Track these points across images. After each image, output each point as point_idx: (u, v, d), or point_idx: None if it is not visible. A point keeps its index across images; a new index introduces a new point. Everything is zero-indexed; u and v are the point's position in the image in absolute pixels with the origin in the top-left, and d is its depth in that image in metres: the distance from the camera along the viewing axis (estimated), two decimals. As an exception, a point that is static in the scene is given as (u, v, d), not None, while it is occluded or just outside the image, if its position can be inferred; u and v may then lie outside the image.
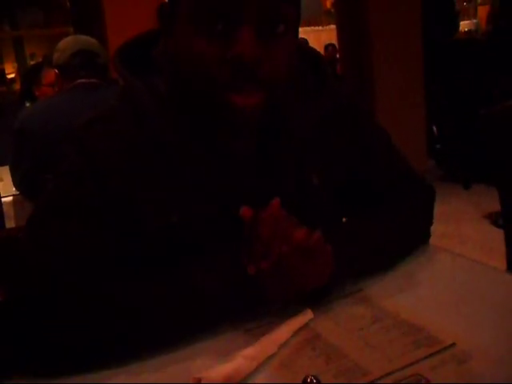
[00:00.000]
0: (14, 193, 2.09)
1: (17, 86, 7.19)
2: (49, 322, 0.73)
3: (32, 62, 7.52)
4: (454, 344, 0.69)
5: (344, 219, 1.01)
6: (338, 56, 6.87)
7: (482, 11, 6.43)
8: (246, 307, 0.77)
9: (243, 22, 0.71)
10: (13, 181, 2.06)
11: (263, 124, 0.84)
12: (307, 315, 0.78)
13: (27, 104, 2.83)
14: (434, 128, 4.00)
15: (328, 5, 8.63)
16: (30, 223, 0.83)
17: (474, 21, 5.67)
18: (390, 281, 0.88)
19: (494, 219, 3.33)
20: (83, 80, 2.02)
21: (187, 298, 0.76)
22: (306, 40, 6.63)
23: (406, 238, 0.96)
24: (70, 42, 2.06)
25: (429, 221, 1.02)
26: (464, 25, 5.36)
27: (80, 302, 0.75)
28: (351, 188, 0.96)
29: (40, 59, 7.46)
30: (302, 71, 0.89)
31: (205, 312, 0.76)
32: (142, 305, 0.75)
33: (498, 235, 1.91)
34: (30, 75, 2.92)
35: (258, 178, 0.85)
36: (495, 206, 1.87)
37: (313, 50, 0.96)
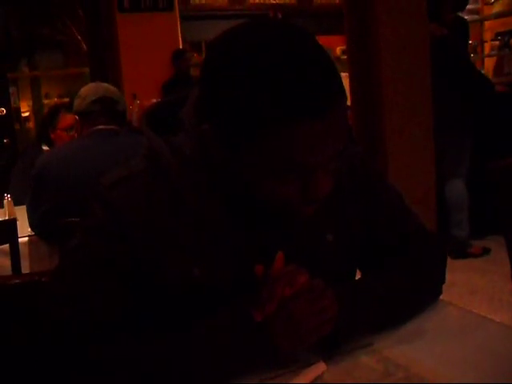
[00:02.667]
0: (30, 233, 2.13)
1: (30, 124, 7.35)
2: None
3: (46, 101, 7.70)
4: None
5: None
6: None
7: (489, 62, 6.54)
8: (258, 356, 0.79)
9: (319, 168, 0.77)
10: (29, 222, 2.10)
11: None
12: (320, 367, 0.79)
13: (44, 147, 2.90)
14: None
15: (338, 52, 8.79)
16: (57, 276, 0.88)
17: (482, 72, 5.75)
18: (401, 335, 0.90)
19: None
20: (102, 126, 2.07)
21: (199, 352, 0.78)
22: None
23: (418, 294, 0.97)
24: (91, 90, 2.12)
25: (441, 278, 1.03)
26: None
27: (97, 363, 0.78)
28: (365, 245, 0.99)
29: (55, 98, 7.64)
30: None
31: (218, 364, 0.78)
32: (157, 365, 0.77)
33: (506, 286, 1.91)
34: (47, 119, 3.00)
35: (276, 233, 0.88)
36: (504, 256, 1.89)
37: None
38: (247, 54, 0.73)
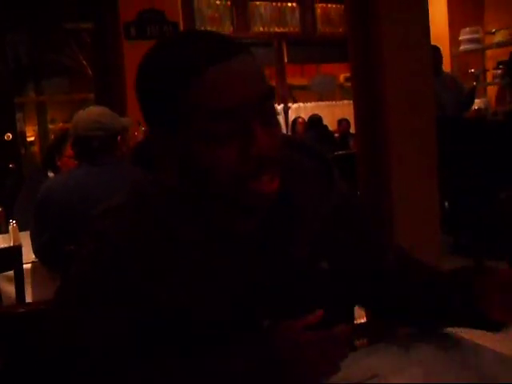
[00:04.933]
0: (33, 260, 2.13)
1: (35, 149, 7.39)
2: None
3: (52, 126, 7.75)
4: None
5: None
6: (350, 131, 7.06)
7: (491, 90, 6.60)
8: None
9: (254, 123, 0.78)
10: (33, 249, 2.10)
11: (272, 214, 0.88)
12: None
13: (49, 173, 2.92)
14: (446, 204, 4.04)
15: (341, 79, 8.88)
16: (55, 306, 0.89)
17: (484, 99, 5.81)
18: (408, 367, 0.89)
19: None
20: (100, 157, 2.10)
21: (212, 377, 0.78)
22: (320, 117, 6.81)
23: None
24: (74, 126, 2.14)
25: None
26: (474, 103, 5.49)
27: None
28: (363, 278, 0.99)
29: (60, 123, 7.69)
30: (314, 171, 0.95)
31: None
32: None
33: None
34: (53, 146, 3.02)
35: (270, 265, 0.88)
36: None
37: (322, 153, 1.00)
38: (152, 55, 0.84)
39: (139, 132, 4.42)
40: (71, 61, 7.05)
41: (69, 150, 2.85)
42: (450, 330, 1.02)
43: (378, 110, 2.09)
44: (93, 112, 2.18)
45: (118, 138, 2.17)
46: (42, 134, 7.55)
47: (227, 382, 0.79)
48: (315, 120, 6.33)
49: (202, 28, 7.21)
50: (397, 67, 2.05)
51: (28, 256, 2.11)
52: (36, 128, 7.58)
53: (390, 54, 2.04)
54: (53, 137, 7.41)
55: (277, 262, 0.88)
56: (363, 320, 2.19)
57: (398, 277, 1.01)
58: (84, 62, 6.88)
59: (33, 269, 2.12)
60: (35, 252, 2.10)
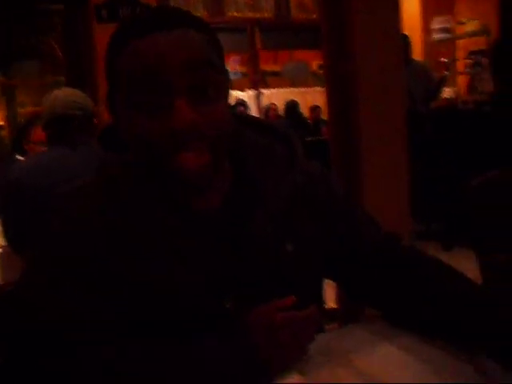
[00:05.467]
0: (3, 244, 2.10)
1: (4, 133, 7.26)
2: None
3: (21, 110, 7.61)
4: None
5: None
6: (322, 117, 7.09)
7: (461, 80, 6.69)
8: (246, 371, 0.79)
9: (175, 95, 0.77)
10: (4, 234, 2.07)
11: (234, 193, 0.89)
12: (296, 379, 0.80)
13: (18, 157, 2.87)
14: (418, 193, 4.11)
15: (314, 66, 8.88)
16: (20, 286, 0.87)
17: (455, 89, 5.89)
18: (378, 348, 0.91)
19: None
20: (69, 138, 2.06)
21: (186, 363, 0.78)
22: (296, 103, 6.81)
23: None
24: (49, 106, 2.08)
25: None
26: (445, 92, 5.57)
27: (77, 367, 0.78)
28: (335, 257, 1.00)
29: (29, 107, 7.56)
30: (275, 148, 0.95)
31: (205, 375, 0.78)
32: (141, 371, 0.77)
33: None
34: (20, 132, 2.98)
35: (233, 246, 0.88)
36: (475, 268, 1.93)
37: (284, 128, 1.01)
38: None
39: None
40: (41, 43, 6.92)
41: (35, 136, 2.81)
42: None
43: (349, 98, 2.10)
44: (70, 92, 2.14)
45: (95, 120, 2.14)
46: (12, 117, 7.42)
47: (201, 369, 0.78)
48: (291, 106, 6.33)
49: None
50: (368, 55, 2.06)
51: (-2, 240, 2.08)
52: (5, 112, 7.45)
53: (362, 42, 2.05)
54: (22, 121, 7.30)
55: (240, 242, 0.88)
56: (334, 305, 2.22)
57: (374, 261, 1.00)
58: (55, 44, 6.76)
59: (2, 254, 2.09)
60: (7, 240, 2.05)
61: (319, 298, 1.04)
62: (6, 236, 2.06)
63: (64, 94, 2.11)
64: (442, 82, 5.22)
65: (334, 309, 2.16)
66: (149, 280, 0.83)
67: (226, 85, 0.85)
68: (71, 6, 5.48)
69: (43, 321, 0.81)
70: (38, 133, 2.77)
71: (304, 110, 6.90)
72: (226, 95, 0.85)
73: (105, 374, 0.77)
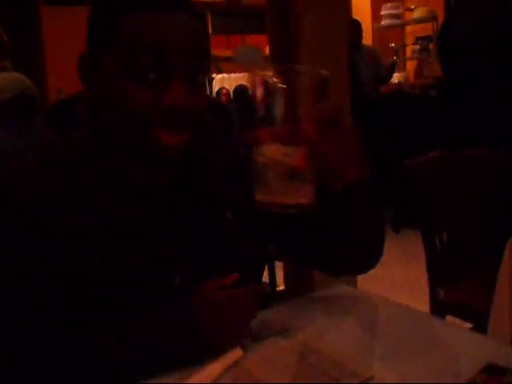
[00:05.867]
0: None
1: None
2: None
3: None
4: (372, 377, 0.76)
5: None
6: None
7: (410, 65, 6.83)
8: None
9: (173, 76, 0.82)
10: None
11: (178, 163, 0.91)
12: (237, 353, 0.82)
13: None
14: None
15: (267, 51, 8.86)
16: None
17: (404, 74, 6.00)
18: (317, 320, 0.95)
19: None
20: (20, 121, 2.03)
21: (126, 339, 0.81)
22: (245, 87, 6.78)
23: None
24: (8, 85, 2.07)
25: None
26: (394, 77, 5.67)
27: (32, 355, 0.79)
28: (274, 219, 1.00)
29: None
30: (212, 121, 1.01)
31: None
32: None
33: (425, 279, 2.04)
34: None
35: (176, 214, 0.91)
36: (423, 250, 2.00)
37: (218, 103, 1.06)
38: None
39: (59, 101, 4.28)
40: (-15, 26, 6.67)
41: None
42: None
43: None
44: (12, 77, 2.13)
45: (38, 103, 2.12)
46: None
47: (147, 347, 0.80)
48: (240, 90, 6.32)
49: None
50: (315, 41, 2.08)
51: None
52: None
53: (310, 28, 2.07)
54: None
55: (184, 217, 0.91)
56: (282, 287, 2.25)
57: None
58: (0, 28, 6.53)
59: None
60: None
61: (262, 270, 1.07)
62: None
63: (3, 79, 2.08)
64: (393, 68, 5.32)
65: (282, 290, 2.19)
66: (96, 259, 0.83)
67: (208, 69, 0.89)
68: (16, -13, 5.32)
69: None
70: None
71: (257, 95, 6.86)
72: (207, 79, 0.90)
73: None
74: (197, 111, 0.85)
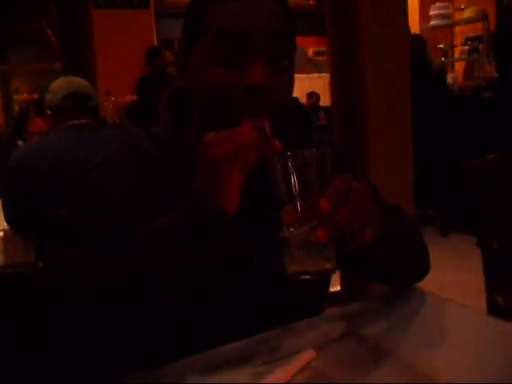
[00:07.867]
0: (5, 228, 2.10)
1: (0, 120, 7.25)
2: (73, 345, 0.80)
3: (16, 97, 7.58)
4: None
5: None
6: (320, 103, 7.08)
7: (459, 66, 6.70)
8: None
9: (255, 57, 0.84)
10: (5, 217, 2.08)
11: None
12: (309, 354, 0.82)
13: (19, 142, 2.88)
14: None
15: (310, 53, 8.84)
16: (52, 258, 0.91)
17: (452, 75, 5.89)
18: (386, 323, 0.93)
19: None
20: (75, 121, 2.08)
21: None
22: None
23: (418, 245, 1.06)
24: (63, 84, 2.12)
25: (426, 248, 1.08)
26: (448, 77, 5.58)
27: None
28: None
29: (24, 94, 7.53)
30: (289, 122, 0.99)
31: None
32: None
33: (476, 282, 1.99)
34: (17, 123, 3.00)
35: (256, 199, 0.89)
36: (472, 253, 1.95)
37: (299, 102, 1.07)
38: None
39: (108, 102, 4.36)
40: (36, 30, 6.87)
41: (31, 127, 2.83)
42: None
43: (355, 83, 2.11)
44: (65, 79, 2.18)
45: (93, 102, 2.16)
46: (7, 104, 7.39)
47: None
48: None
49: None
50: (374, 42, 2.07)
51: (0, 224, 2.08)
52: (0, 99, 7.42)
53: (368, 29, 2.06)
54: (17, 108, 7.28)
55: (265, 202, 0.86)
56: (337, 288, 2.24)
57: None
58: (49, 31, 6.72)
59: (4, 237, 2.09)
60: (9, 222, 2.07)
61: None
62: (7, 218, 2.07)
63: (65, 81, 2.16)
64: (444, 69, 5.22)
65: (337, 292, 2.18)
66: None
67: (294, 55, 0.91)
68: (67, -9, 5.46)
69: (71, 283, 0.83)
70: (34, 125, 2.79)
71: (301, 97, 6.89)
72: (294, 70, 0.91)
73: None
74: (279, 95, 0.86)
